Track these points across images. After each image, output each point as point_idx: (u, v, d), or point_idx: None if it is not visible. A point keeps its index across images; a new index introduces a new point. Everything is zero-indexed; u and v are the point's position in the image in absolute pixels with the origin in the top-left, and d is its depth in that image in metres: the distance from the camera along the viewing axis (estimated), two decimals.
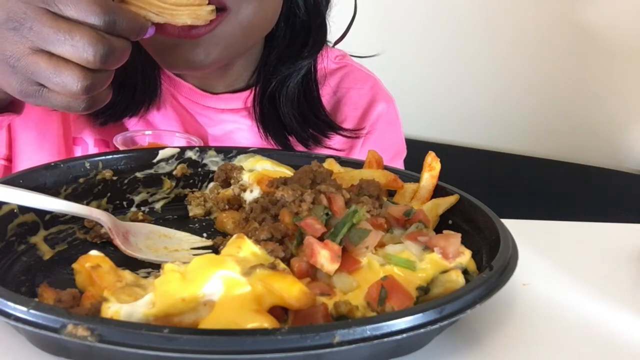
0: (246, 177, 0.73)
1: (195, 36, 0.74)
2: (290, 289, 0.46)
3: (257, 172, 0.74)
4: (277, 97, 0.94)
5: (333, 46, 1.06)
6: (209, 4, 0.71)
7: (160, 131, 0.91)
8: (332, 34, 1.03)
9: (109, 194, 0.73)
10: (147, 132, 0.88)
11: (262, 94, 0.95)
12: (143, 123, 0.95)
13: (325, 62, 1.00)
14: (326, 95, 1.01)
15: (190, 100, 0.96)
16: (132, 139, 0.86)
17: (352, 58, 1.10)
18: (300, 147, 0.96)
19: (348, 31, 1.05)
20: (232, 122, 0.98)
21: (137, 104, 0.92)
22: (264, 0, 0.80)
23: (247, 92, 0.97)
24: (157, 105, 0.95)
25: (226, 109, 0.97)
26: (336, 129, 0.97)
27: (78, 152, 0.94)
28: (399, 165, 1.09)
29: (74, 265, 0.52)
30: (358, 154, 1.01)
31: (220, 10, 0.74)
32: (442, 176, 0.71)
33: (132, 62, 0.88)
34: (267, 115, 0.95)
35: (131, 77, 0.90)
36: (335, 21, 0.99)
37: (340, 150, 0.99)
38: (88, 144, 0.94)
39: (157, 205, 0.77)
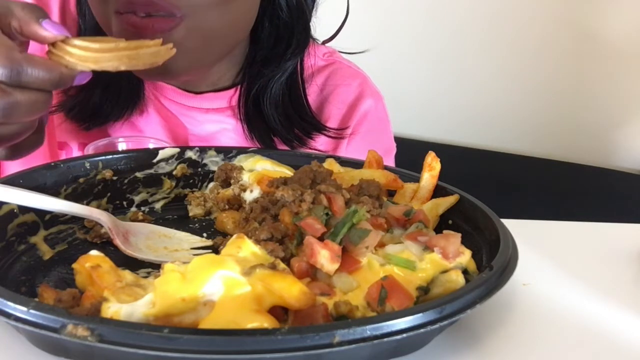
0: (246, 177, 0.73)
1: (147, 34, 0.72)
2: (290, 289, 0.46)
3: (257, 172, 0.74)
4: (261, 99, 0.93)
5: (322, 44, 1.06)
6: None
7: (134, 137, 0.90)
8: (326, 32, 1.03)
9: (109, 194, 0.73)
10: (119, 140, 0.87)
11: (246, 95, 0.94)
12: (128, 127, 0.94)
13: (313, 59, 0.99)
14: (312, 93, 1.00)
15: (174, 101, 0.96)
16: (104, 148, 0.84)
17: (342, 55, 1.09)
18: (284, 148, 0.95)
19: (339, 31, 1.04)
20: (217, 122, 0.97)
21: (120, 109, 0.91)
22: (228, 8, 0.77)
23: (231, 91, 0.97)
24: (140, 108, 0.94)
25: (210, 108, 0.96)
26: (321, 129, 0.96)
27: (62, 156, 0.94)
28: (390, 162, 1.08)
29: (74, 265, 0.52)
30: (344, 153, 1.00)
31: (171, 16, 0.73)
32: (442, 176, 0.71)
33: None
34: (251, 117, 0.94)
35: (115, 81, 0.89)
36: (327, 20, 0.98)
37: (324, 152, 0.98)
38: (72, 149, 0.94)
39: (157, 205, 0.77)
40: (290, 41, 0.92)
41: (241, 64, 0.96)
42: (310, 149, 0.95)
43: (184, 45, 0.76)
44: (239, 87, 0.96)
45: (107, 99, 0.90)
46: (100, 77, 0.89)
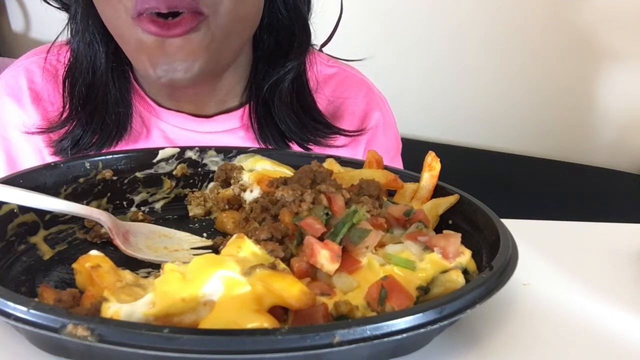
0: (246, 177, 0.73)
1: (173, 35, 0.74)
2: (290, 289, 0.46)
3: (257, 172, 0.74)
4: (270, 103, 0.93)
5: (320, 48, 1.05)
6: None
7: None
8: (323, 38, 1.03)
9: (109, 194, 0.73)
10: None
11: (256, 106, 0.94)
12: None
13: (316, 67, 0.99)
14: (322, 103, 1.00)
15: (186, 129, 0.95)
16: None
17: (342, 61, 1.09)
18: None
19: (335, 32, 1.04)
20: (232, 144, 0.96)
21: (102, 143, 0.89)
22: (242, 4, 0.79)
23: (241, 110, 0.97)
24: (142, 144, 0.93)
25: (225, 130, 0.96)
26: (336, 130, 0.97)
27: None
28: (399, 159, 1.10)
29: (74, 265, 0.52)
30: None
31: (196, 14, 0.74)
32: (442, 176, 0.71)
33: (104, 98, 0.88)
34: (264, 125, 0.94)
35: (100, 112, 0.89)
36: (325, 24, 0.99)
37: (343, 146, 0.98)
38: None
39: (157, 205, 0.77)
40: (292, 43, 0.92)
41: (247, 78, 0.96)
42: (327, 147, 0.96)
43: (210, 47, 0.77)
44: (249, 104, 0.96)
45: (87, 134, 0.89)
46: (80, 116, 0.88)
